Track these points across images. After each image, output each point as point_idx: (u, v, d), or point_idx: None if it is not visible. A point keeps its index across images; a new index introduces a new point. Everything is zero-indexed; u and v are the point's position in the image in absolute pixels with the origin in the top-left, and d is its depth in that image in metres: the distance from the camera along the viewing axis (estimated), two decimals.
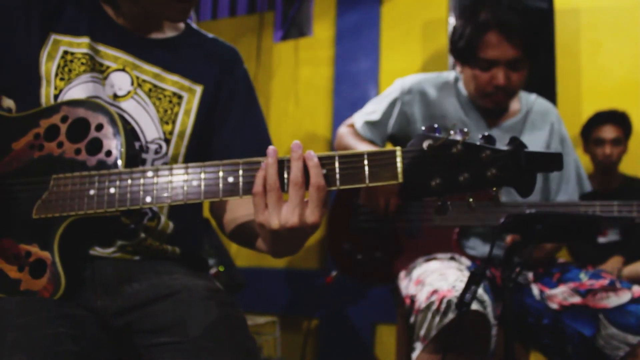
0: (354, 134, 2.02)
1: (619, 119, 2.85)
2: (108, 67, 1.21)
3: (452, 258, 1.80)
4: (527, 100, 1.99)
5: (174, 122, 1.24)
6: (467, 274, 1.59)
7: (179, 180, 0.98)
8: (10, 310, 0.95)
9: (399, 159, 0.91)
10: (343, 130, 2.07)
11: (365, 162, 0.92)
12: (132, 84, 1.22)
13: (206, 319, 1.03)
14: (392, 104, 1.98)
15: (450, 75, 2.00)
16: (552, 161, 0.88)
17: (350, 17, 3.42)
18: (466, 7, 1.85)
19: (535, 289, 1.76)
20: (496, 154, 0.88)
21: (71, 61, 1.19)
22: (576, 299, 1.65)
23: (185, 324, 1.02)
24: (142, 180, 0.99)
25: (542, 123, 1.95)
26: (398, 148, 0.91)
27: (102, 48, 1.22)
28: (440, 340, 1.45)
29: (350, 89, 3.35)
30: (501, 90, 1.81)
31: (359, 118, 2.04)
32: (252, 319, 2.97)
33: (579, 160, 1.98)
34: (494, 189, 0.90)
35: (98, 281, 1.11)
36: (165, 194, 0.98)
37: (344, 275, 2.02)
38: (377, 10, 3.39)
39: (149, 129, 1.21)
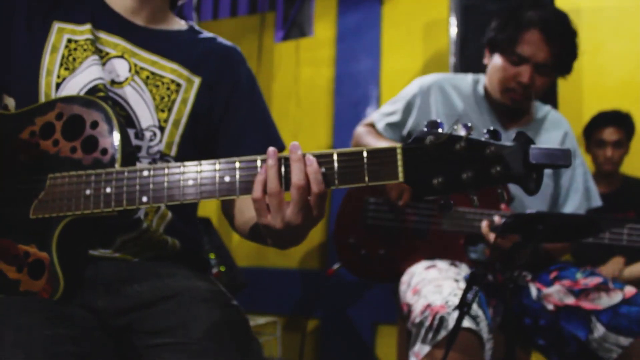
0: (374, 134, 2.02)
1: (621, 120, 2.83)
2: (107, 54, 1.22)
3: (452, 264, 1.79)
4: (542, 110, 2.02)
5: (170, 110, 1.23)
6: (463, 285, 1.57)
7: (175, 180, 0.96)
8: (10, 311, 0.95)
9: (399, 157, 0.87)
10: (361, 129, 2.07)
11: (365, 160, 0.88)
12: (130, 70, 1.22)
13: (208, 321, 1.03)
14: (411, 103, 1.99)
15: (468, 77, 2.03)
16: (561, 157, 0.83)
17: (351, 18, 3.41)
18: (513, 4, 1.91)
19: (533, 289, 1.76)
20: (501, 150, 0.84)
21: (75, 49, 1.19)
22: (570, 300, 1.65)
23: (187, 325, 1.02)
24: (138, 180, 0.97)
25: (557, 130, 1.98)
26: (399, 145, 0.87)
27: (102, 35, 1.23)
28: (433, 356, 1.43)
29: (351, 89, 3.34)
30: (522, 89, 1.83)
31: (380, 119, 2.04)
32: (252, 319, 2.97)
33: (589, 174, 1.98)
34: (500, 188, 0.87)
35: (99, 281, 1.11)
36: (162, 194, 0.96)
37: (346, 268, 2.01)
38: (378, 10, 3.38)
39: (144, 115, 1.20)
